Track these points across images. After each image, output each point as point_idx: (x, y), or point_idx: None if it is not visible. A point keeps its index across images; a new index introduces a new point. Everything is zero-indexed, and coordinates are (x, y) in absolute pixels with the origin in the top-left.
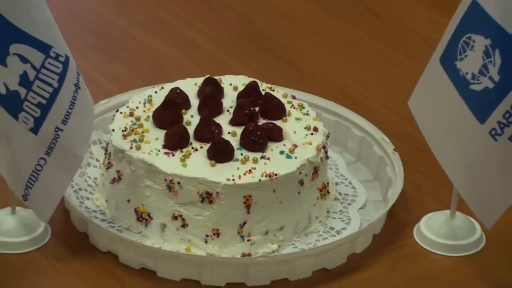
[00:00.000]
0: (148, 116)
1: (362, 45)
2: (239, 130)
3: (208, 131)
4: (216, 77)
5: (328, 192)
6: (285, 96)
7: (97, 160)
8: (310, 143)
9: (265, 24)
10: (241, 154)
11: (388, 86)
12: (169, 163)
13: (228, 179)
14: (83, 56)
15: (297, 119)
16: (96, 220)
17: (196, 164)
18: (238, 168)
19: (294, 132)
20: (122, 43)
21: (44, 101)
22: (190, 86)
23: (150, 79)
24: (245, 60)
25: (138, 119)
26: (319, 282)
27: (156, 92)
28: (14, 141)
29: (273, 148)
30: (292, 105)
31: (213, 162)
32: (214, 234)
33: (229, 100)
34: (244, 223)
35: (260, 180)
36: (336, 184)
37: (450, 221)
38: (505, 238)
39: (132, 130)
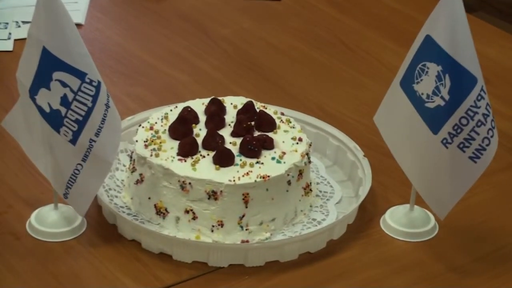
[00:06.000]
0: (165, 129)
1: (338, 72)
2: (238, 140)
3: (213, 141)
4: (220, 98)
5: (310, 190)
6: (275, 113)
7: (124, 165)
8: (296, 151)
9: (258, 55)
10: (240, 160)
11: (359, 104)
12: (182, 167)
13: (230, 180)
14: (112, 81)
15: (285, 131)
16: (123, 214)
17: (203, 168)
18: (238, 171)
19: (283, 141)
20: (144, 70)
21: (80, 118)
22: (199, 105)
23: (166, 100)
24: (243, 84)
25: (156, 132)
26: (304, 263)
27: (171, 110)
28: (56, 150)
29: (266, 155)
30: (281, 120)
31: (217, 166)
32: (218, 225)
33: (230, 116)
34: (243, 216)
35: (255, 180)
36: (317, 183)
37: (410, 213)
38: (454, 227)
39: (152, 141)
